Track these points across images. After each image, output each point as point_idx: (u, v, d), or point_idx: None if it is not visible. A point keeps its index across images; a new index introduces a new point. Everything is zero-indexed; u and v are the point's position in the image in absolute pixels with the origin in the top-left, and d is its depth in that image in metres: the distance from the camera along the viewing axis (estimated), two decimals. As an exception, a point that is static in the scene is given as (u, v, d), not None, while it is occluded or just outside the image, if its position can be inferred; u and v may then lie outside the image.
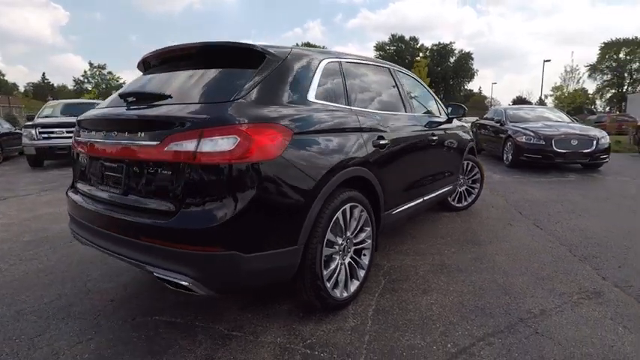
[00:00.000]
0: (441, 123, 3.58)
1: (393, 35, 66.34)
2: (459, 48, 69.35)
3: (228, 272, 1.66)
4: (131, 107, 2.01)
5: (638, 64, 51.46)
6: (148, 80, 2.30)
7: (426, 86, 3.87)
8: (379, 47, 67.49)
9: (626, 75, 52.48)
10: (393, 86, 3.09)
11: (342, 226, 2.13)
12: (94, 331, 2.01)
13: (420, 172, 3.16)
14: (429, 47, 65.81)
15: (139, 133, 1.78)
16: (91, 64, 60.53)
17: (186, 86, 2.01)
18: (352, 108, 2.38)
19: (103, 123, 2.08)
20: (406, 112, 3.09)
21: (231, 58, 2.07)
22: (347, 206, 2.11)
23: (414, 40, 67.10)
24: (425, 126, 3.23)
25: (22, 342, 1.91)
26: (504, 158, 8.27)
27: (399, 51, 65.96)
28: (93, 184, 2.13)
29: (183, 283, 1.62)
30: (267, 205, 1.71)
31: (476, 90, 69.75)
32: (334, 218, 2.01)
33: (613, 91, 53.69)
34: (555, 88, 44.19)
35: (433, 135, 3.29)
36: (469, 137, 4.34)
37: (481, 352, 1.81)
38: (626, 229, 3.70)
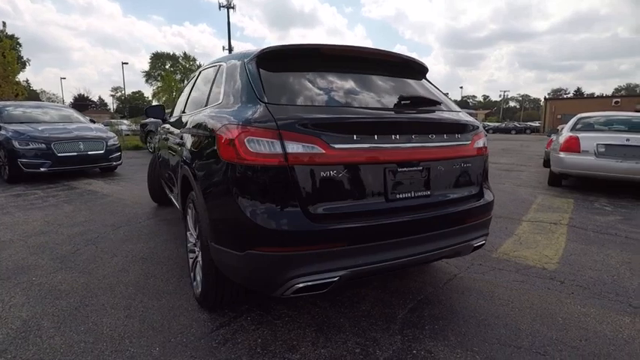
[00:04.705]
0: None
1: None
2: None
3: (488, 228, 2.37)
4: (409, 111, 2.14)
5: (180, 75, 64.60)
6: (377, 82, 2.29)
7: None
8: None
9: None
10: None
11: None
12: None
13: None
14: None
15: (457, 135, 2.14)
16: None
17: (420, 93, 2.37)
18: None
19: (402, 126, 1.98)
20: None
21: (416, 71, 2.56)
22: None
23: None
24: None
25: None
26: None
27: None
28: (379, 195, 1.88)
29: (482, 242, 2.25)
30: None
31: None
32: None
33: (167, 96, 64.37)
34: (114, 89, 46.83)
35: None
36: None
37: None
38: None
